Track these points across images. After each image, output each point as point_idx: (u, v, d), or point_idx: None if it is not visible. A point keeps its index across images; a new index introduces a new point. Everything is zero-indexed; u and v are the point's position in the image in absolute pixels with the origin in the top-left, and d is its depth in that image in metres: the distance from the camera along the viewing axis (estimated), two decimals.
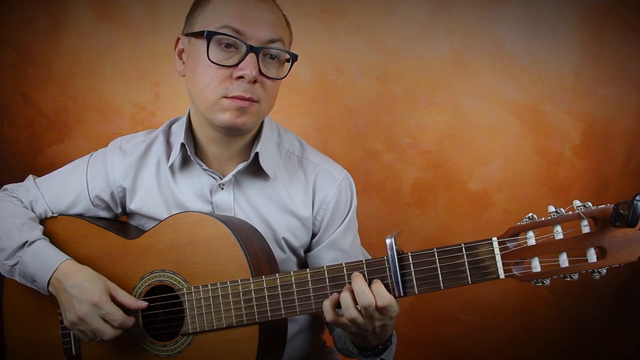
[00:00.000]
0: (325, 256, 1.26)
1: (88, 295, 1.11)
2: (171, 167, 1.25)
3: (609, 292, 1.74)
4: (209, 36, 1.09)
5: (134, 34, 1.80)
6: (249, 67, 1.09)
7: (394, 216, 1.79)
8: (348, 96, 1.76)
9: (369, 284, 1.00)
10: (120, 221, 1.34)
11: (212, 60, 1.10)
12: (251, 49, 1.09)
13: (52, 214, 1.29)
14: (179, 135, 1.24)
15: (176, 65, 1.21)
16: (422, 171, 1.77)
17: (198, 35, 1.12)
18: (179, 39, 1.20)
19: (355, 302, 0.99)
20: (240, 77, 1.09)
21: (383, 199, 1.79)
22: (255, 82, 1.11)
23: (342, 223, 1.27)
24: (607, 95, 1.66)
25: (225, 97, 1.11)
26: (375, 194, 1.79)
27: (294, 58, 1.17)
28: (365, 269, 1.02)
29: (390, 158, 1.77)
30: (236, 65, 1.10)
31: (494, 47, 1.68)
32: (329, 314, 1.02)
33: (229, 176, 1.21)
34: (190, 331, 1.12)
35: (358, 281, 1.00)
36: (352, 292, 1.00)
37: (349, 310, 0.99)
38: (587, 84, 1.66)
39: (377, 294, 0.98)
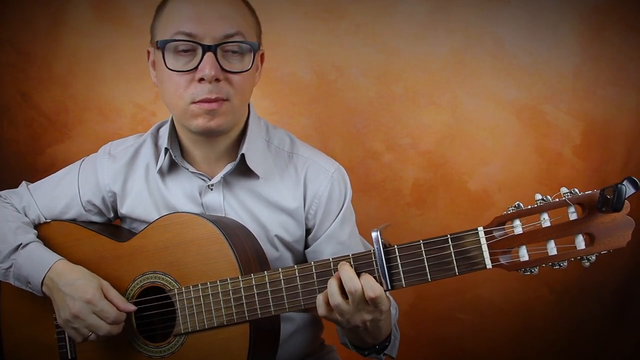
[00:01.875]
0: (325, 250, 1.26)
1: (82, 292, 1.12)
2: (160, 171, 1.25)
3: (609, 292, 1.74)
4: (162, 45, 1.10)
5: (134, 34, 1.80)
6: (206, 67, 1.08)
7: (394, 216, 1.79)
8: (348, 96, 1.76)
9: (358, 277, 0.99)
10: (113, 225, 1.34)
11: (171, 68, 1.10)
12: (208, 48, 1.09)
13: (45, 219, 1.29)
14: (165, 138, 1.24)
15: (151, 77, 1.22)
16: (422, 171, 1.77)
17: (155, 46, 1.14)
18: (149, 51, 1.21)
19: (342, 290, 0.99)
20: (202, 79, 1.09)
21: (383, 199, 1.79)
22: (218, 80, 1.10)
23: (337, 215, 1.26)
24: (607, 95, 1.66)
25: (193, 103, 1.11)
26: (375, 194, 1.79)
27: (255, 48, 1.15)
28: (352, 263, 1.01)
29: (390, 158, 1.77)
30: (196, 68, 1.09)
31: (494, 47, 1.68)
32: (321, 308, 1.02)
33: (217, 178, 1.21)
34: (182, 331, 1.12)
35: (346, 268, 1.00)
36: (339, 280, 1.00)
37: (334, 297, 0.99)
38: (587, 84, 1.66)
39: (367, 285, 0.98)
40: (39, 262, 1.18)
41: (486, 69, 1.69)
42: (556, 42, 1.65)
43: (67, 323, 1.14)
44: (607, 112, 1.66)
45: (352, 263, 1.02)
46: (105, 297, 1.14)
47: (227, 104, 1.12)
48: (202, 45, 1.09)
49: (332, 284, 1.00)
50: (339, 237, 1.26)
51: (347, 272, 0.99)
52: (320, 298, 1.03)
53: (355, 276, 0.99)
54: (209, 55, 1.09)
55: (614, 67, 1.64)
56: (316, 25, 1.73)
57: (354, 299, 0.99)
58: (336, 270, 1.02)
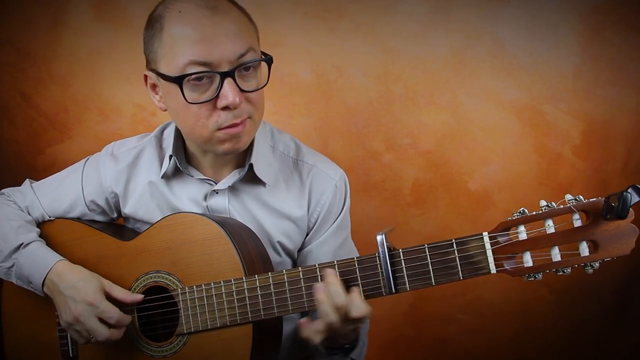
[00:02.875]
0: (314, 257, 1.26)
1: (83, 294, 1.12)
2: (164, 175, 1.24)
3: (609, 292, 1.74)
4: (179, 81, 1.05)
5: (134, 34, 1.79)
6: (230, 94, 1.04)
7: (394, 216, 1.79)
8: (348, 96, 1.76)
9: (349, 290, 1.00)
10: (116, 224, 1.34)
11: (191, 101, 1.06)
12: (225, 75, 1.04)
13: (49, 218, 1.29)
14: (170, 143, 1.23)
15: (154, 101, 1.17)
16: (422, 171, 1.77)
17: (167, 79, 1.08)
18: (146, 76, 1.16)
19: (333, 305, 1.00)
20: (225, 107, 1.06)
21: (383, 199, 1.79)
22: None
23: (333, 223, 1.26)
24: (607, 95, 1.66)
25: (219, 130, 1.08)
26: (375, 194, 1.79)
27: (269, 62, 1.12)
28: (357, 266, 1.02)
29: (390, 158, 1.77)
30: (217, 96, 1.05)
31: (494, 47, 1.68)
32: (315, 336, 1.04)
33: (224, 185, 1.20)
34: (185, 331, 1.12)
35: (332, 280, 1.01)
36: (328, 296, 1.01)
37: (330, 316, 1.00)
38: (587, 84, 1.66)
39: (352, 305, 0.99)
40: (40, 263, 1.18)
41: (486, 69, 1.69)
42: (556, 42, 1.65)
43: (70, 325, 1.14)
44: (607, 112, 1.66)
45: (356, 266, 1.02)
46: (110, 295, 1.14)
47: (250, 121, 1.11)
48: (220, 74, 1.04)
49: (325, 303, 1.00)
50: (329, 246, 1.26)
51: (333, 285, 1.00)
52: (315, 326, 1.03)
53: (342, 290, 1.00)
54: (228, 82, 1.04)
55: (614, 67, 1.64)
56: (316, 25, 1.73)
57: (341, 314, 1.00)
58: (339, 272, 1.02)
